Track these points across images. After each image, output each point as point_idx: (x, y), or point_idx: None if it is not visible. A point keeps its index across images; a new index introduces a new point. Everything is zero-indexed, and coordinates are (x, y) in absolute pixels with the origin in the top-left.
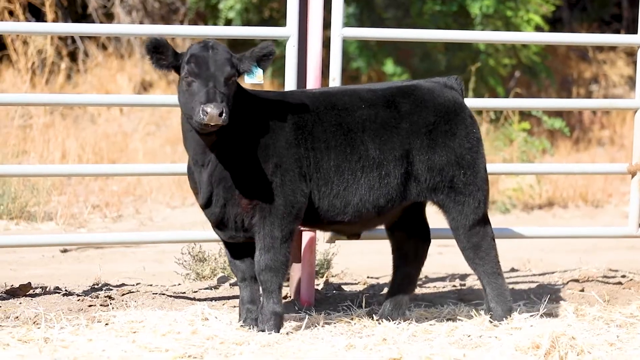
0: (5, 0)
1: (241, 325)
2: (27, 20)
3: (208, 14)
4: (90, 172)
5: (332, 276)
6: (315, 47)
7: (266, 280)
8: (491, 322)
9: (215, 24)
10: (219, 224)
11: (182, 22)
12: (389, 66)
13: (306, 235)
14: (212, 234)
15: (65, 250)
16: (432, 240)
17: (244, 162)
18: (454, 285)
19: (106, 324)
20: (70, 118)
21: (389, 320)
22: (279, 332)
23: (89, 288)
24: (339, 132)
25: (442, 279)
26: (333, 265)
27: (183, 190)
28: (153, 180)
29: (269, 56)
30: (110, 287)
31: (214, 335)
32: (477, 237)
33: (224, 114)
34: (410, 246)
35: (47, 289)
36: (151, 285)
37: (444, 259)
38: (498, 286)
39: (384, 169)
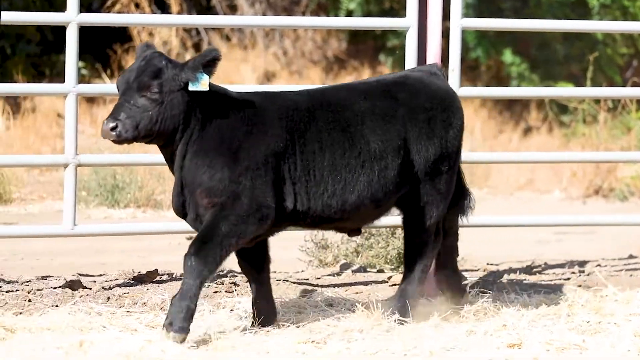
0: None
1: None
2: (152, 12)
3: (329, 5)
4: None
5: None
6: (434, 38)
7: (191, 268)
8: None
9: (336, 15)
10: (195, 228)
11: (303, 14)
12: (508, 56)
13: None
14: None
15: (190, 238)
16: (551, 227)
17: (210, 163)
18: (573, 272)
19: (231, 310)
20: None
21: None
22: (186, 328)
23: (215, 275)
24: (335, 130)
25: (561, 265)
26: None
27: None
28: None
29: (214, 61)
30: (235, 274)
31: (336, 322)
32: (429, 239)
33: (118, 128)
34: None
35: (174, 276)
36: (275, 272)
37: (562, 246)
38: (411, 290)
39: (384, 161)
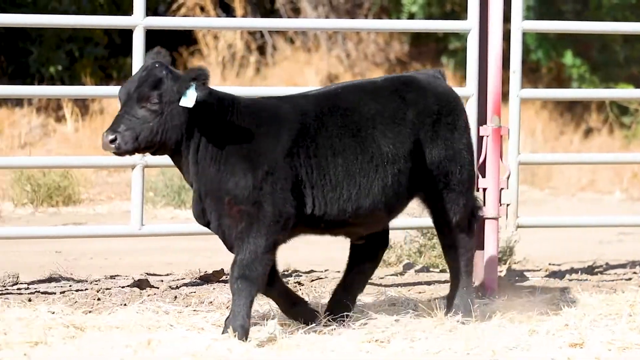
0: None
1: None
2: (217, 15)
3: (391, 8)
4: None
5: (515, 263)
6: (495, 40)
7: (239, 290)
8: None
9: (398, 18)
10: (221, 239)
11: (366, 16)
12: (568, 58)
13: (489, 224)
14: (397, 222)
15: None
16: (612, 228)
17: (230, 171)
18: (634, 272)
19: None
20: None
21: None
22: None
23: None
24: (346, 133)
25: (623, 265)
26: (515, 252)
27: None
28: None
29: (199, 79)
30: (300, 274)
31: (400, 321)
32: (460, 235)
33: (117, 141)
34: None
35: None
36: (338, 271)
37: (624, 246)
38: (465, 285)
39: (396, 165)
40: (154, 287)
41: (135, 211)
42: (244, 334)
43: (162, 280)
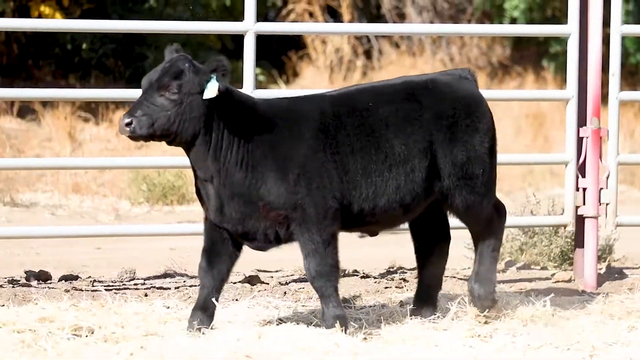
0: (306, 2)
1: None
2: (325, 21)
3: (494, 13)
4: None
5: (614, 261)
6: (595, 44)
7: (320, 286)
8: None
9: (500, 23)
10: (243, 237)
11: (469, 21)
12: None
13: (589, 222)
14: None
15: (363, 236)
16: None
17: (260, 178)
18: None
19: (400, 305)
20: None
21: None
22: (345, 334)
23: (385, 271)
24: (362, 133)
25: None
26: (614, 250)
27: None
28: None
29: (216, 71)
30: (405, 270)
31: (502, 317)
32: (487, 228)
33: (132, 125)
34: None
35: (346, 272)
36: None
37: None
38: (489, 281)
39: (409, 164)
40: (264, 283)
41: None
42: (343, 321)
43: (272, 277)
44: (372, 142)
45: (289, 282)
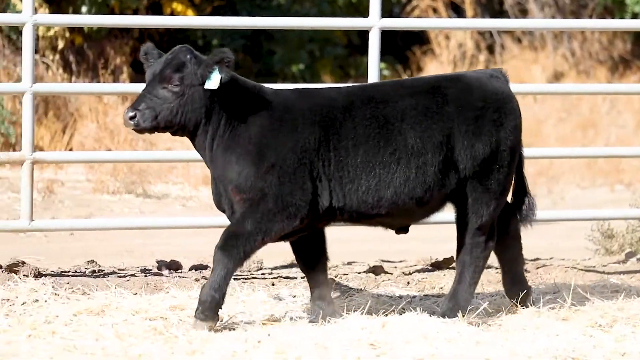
0: None
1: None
2: (449, 16)
3: (615, 9)
4: None
5: None
6: None
7: (217, 259)
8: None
9: (621, 18)
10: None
11: (590, 16)
12: None
13: None
14: (621, 212)
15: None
16: None
17: (235, 160)
18: None
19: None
20: None
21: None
22: (211, 317)
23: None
24: (372, 126)
25: None
26: None
27: (593, 171)
28: (565, 163)
29: (221, 62)
30: (527, 261)
31: (622, 307)
32: (480, 239)
33: (136, 118)
34: None
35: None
36: (563, 259)
37: None
38: (465, 290)
39: (422, 158)
40: (388, 273)
41: None
42: (213, 304)
43: (395, 267)
44: (382, 134)
45: (412, 272)
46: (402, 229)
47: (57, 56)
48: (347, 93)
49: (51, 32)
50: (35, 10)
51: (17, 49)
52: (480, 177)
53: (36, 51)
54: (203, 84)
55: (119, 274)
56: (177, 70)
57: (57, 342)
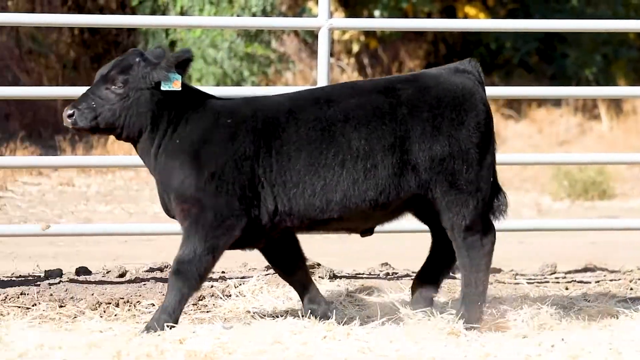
0: None
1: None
2: None
3: None
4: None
5: None
6: None
7: (172, 284)
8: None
9: None
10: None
11: None
12: None
13: None
14: None
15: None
16: None
17: (178, 168)
18: None
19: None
20: None
21: None
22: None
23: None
24: (315, 128)
25: None
26: None
27: None
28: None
29: (186, 62)
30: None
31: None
32: (472, 238)
33: (74, 116)
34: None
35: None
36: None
37: None
38: (474, 293)
39: (371, 160)
40: None
41: None
42: (159, 326)
43: None
44: (325, 136)
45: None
46: (366, 231)
47: (352, 59)
48: (295, 97)
49: (346, 36)
50: (331, 14)
51: (313, 53)
52: (447, 179)
53: (331, 55)
54: (153, 87)
55: (412, 277)
56: (122, 72)
57: (352, 343)
